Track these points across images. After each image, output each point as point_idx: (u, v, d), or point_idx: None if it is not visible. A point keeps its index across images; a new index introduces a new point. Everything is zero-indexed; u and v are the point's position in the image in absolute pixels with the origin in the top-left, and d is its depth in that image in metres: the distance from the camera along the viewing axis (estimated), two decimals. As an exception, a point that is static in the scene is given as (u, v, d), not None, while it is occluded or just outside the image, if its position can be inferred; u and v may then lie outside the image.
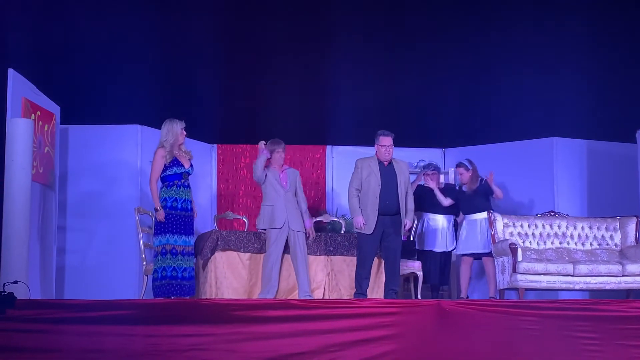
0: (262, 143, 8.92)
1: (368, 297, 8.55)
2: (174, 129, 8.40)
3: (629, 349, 6.76)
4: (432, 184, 9.82)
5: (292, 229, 8.78)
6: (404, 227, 8.62)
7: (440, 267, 9.88)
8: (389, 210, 8.51)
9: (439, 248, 9.88)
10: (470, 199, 9.67)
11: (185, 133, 8.47)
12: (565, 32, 9.46)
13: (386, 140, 8.61)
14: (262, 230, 8.87)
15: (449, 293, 10.31)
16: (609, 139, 10.58)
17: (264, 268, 8.74)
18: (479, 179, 9.71)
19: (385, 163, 8.64)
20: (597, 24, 9.24)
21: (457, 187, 9.94)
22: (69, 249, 9.68)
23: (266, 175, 8.88)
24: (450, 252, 10.03)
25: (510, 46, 9.70)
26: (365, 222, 8.50)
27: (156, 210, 8.35)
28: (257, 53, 9.84)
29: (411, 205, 8.72)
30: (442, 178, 10.54)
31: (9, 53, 8.03)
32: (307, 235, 8.93)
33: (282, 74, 10.09)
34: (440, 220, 9.92)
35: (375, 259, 8.84)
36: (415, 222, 9.83)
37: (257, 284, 8.82)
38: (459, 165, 9.85)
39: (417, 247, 9.82)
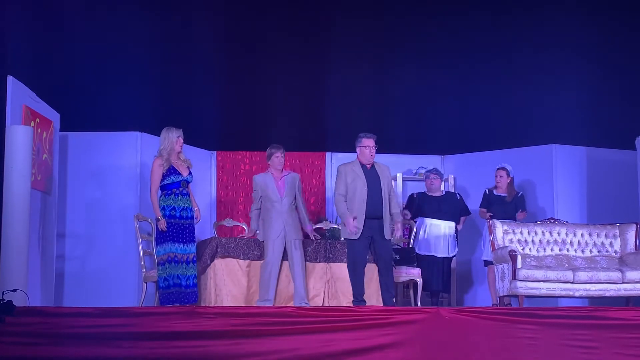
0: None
1: (368, 304, 8.52)
2: (170, 137, 8.42)
3: (629, 358, 6.75)
4: (486, 215, 9.81)
5: (289, 238, 8.77)
6: (393, 232, 8.49)
7: (442, 274, 9.88)
8: (375, 213, 8.40)
9: (441, 253, 9.87)
10: (505, 206, 9.75)
11: (181, 142, 8.47)
12: (565, 39, 9.47)
13: (369, 142, 8.51)
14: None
15: (449, 300, 10.30)
16: (608, 146, 10.58)
17: (261, 276, 8.74)
18: (516, 191, 9.84)
19: (368, 166, 8.56)
20: (597, 31, 9.25)
21: (487, 191, 9.96)
22: (68, 256, 9.68)
23: (260, 195, 8.90)
24: (452, 258, 10.03)
25: (510, 53, 9.71)
26: (353, 227, 8.41)
27: (157, 220, 8.37)
28: (257, 60, 9.86)
29: (396, 208, 8.60)
30: (442, 186, 10.55)
31: (8, 60, 8.02)
32: (312, 238, 8.91)
33: (281, 81, 10.09)
34: (442, 226, 9.92)
35: (374, 265, 8.82)
36: (415, 228, 9.83)
37: (256, 291, 8.82)
38: (501, 168, 9.88)
39: (418, 253, 9.81)
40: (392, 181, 8.79)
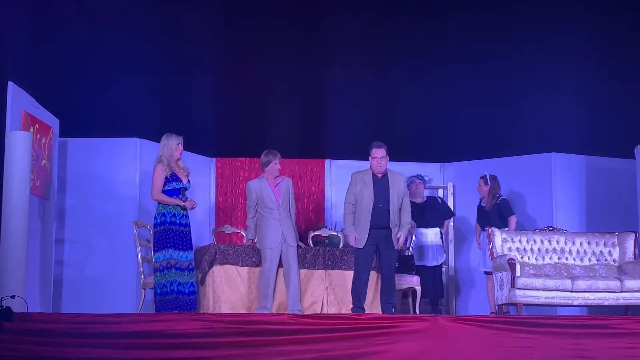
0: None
1: (367, 311, 8.52)
2: (170, 144, 8.41)
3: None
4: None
5: (286, 245, 8.78)
6: (397, 240, 8.47)
7: (434, 282, 9.88)
8: (381, 223, 8.43)
9: (430, 262, 9.91)
10: (486, 216, 9.75)
11: (181, 149, 8.46)
12: (564, 48, 9.48)
13: (378, 152, 8.49)
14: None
15: (447, 308, 10.30)
16: (607, 155, 10.59)
17: (259, 284, 8.73)
18: (497, 197, 9.77)
19: (380, 175, 8.56)
20: (595, 40, 9.26)
21: (479, 204, 9.99)
22: (67, 262, 9.66)
23: (256, 200, 8.87)
24: (441, 265, 10.06)
25: (509, 62, 9.72)
26: (358, 236, 8.45)
27: (183, 203, 8.34)
28: (257, 67, 9.86)
29: (407, 218, 8.59)
30: (440, 192, 10.57)
31: (8, 66, 8.03)
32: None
33: (281, 88, 10.10)
34: (429, 234, 9.97)
35: (375, 273, 8.82)
36: (413, 237, 9.83)
37: (256, 298, 8.81)
38: (481, 177, 9.90)
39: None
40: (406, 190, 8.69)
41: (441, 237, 10.07)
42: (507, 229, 9.57)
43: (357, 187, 8.51)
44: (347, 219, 8.56)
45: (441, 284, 10.08)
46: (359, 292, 8.46)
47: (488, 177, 9.87)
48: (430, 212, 10.04)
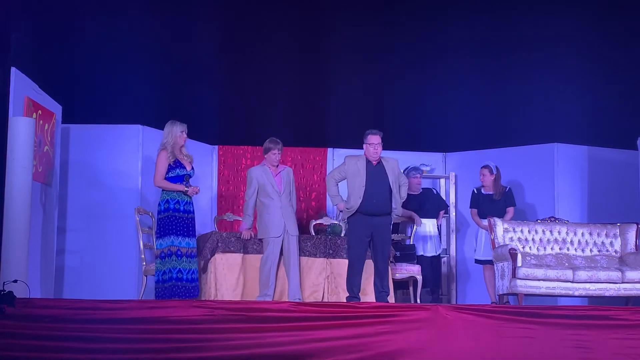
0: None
1: (368, 300, 8.53)
2: (173, 131, 8.43)
3: (628, 359, 6.75)
4: (482, 224, 9.81)
5: (288, 233, 8.79)
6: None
7: (432, 272, 9.89)
8: (377, 210, 8.41)
9: (429, 253, 9.92)
10: (493, 204, 9.74)
11: (185, 136, 8.48)
12: (567, 38, 9.46)
13: (374, 139, 8.48)
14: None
15: (448, 298, 10.31)
16: (610, 146, 10.59)
17: (261, 272, 8.75)
18: (503, 187, 9.77)
19: (374, 162, 8.54)
20: (599, 30, 9.25)
21: (475, 191, 9.97)
22: (69, 249, 9.67)
23: (256, 188, 8.88)
24: (439, 256, 10.07)
25: (512, 52, 9.71)
26: (342, 207, 8.51)
27: (186, 189, 8.35)
28: (259, 55, 9.85)
29: (399, 203, 8.63)
30: (442, 182, 10.57)
31: (11, 52, 8.02)
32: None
33: (283, 76, 10.09)
34: (427, 225, 9.97)
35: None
36: (415, 227, 9.84)
37: (257, 286, 8.83)
38: (484, 166, 9.88)
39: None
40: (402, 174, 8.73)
41: (438, 228, 10.08)
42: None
43: (350, 172, 8.49)
44: (332, 190, 8.60)
45: (439, 274, 10.09)
46: (353, 282, 8.46)
47: (493, 166, 9.87)
48: (427, 202, 10.06)
